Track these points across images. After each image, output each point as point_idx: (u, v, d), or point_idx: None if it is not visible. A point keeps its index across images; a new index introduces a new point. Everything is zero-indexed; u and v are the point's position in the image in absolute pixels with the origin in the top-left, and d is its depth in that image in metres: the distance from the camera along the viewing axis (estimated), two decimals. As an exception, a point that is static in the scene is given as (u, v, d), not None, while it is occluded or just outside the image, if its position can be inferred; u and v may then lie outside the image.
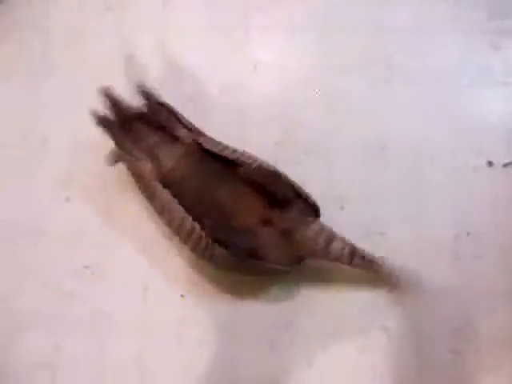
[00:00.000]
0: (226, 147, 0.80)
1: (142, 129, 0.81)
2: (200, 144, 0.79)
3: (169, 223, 0.80)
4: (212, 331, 0.87)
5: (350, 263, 0.79)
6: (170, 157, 0.79)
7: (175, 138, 0.80)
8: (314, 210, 0.79)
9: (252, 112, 0.92)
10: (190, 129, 0.81)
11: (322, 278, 0.86)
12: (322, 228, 0.78)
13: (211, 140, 0.81)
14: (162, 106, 0.82)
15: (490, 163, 0.89)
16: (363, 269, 0.81)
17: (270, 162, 0.87)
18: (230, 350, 0.86)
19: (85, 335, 0.88)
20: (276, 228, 0.77)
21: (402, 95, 0.92)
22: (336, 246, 0.78)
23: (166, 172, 0.78)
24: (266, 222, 0.77)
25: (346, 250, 0.78)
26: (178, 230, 0.78)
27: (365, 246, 0.85)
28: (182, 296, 0.87)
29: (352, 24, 0.95)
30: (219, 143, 0.81)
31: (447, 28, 0.95)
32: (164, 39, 0.96)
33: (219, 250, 0.76)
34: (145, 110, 0.82)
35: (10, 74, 0.97)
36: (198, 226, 0.76)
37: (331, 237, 0.78)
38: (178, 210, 0.77)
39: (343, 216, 0.86)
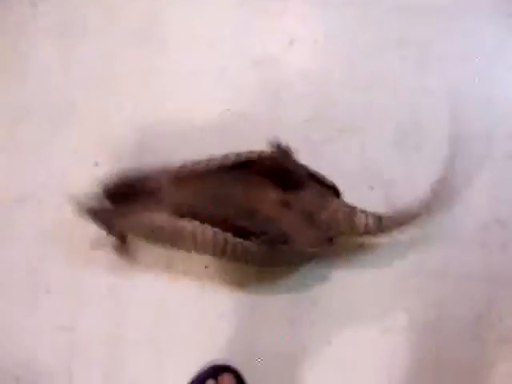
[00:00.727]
0: (211, 159, 0.79)
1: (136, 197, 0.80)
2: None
3: (203, 250, 0.78)
4: (233, 305, 0.87)
5: (380, 231, 0.79)
6: (171, 197, 0.78)
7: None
8: (335, 192, 0.79)
9: (285, 88, 0.91)
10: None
11: (345, 259, 0.86)
12: (343, 205, 0.78)
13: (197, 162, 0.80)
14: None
15: (525, 151, 0.88)
16: (396, 230, 0.81)
17: (301, 139, 0.87)
18: (250, 324, 0.87)
19: (106, 303, 0.88)
20: (296, 210, 0.78)
21: (438, 76, 0.90)
22: (359, 219, 0.78)
23: (180, 206, 0.78)
24: (285, 205, 0.77)
25: (371, 221, 0.78)
26: (213, 251, 0.78)
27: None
28: (205, 267, 0.88)
29: (390, 2, 0.93)
30: (206, 159, 0.80)
31: (487, 10, 0.93)
32: (195, 8, 0.95)
33: (252, 247, 0.76)
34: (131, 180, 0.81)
35: (42, 38, 0.96)
36: (229, 236, 0.76)
37: (353, 212, 0.78)
38: (209, 231, 0.76)
39: (372, 196, 0.86)
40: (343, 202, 0.79)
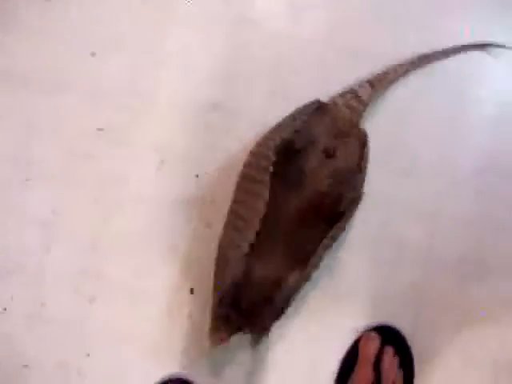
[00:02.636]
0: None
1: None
2: None
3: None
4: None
5: (377, 91, 0.84)
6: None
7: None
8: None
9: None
10: None
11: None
12: (339, 97, 0.82)
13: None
14: None
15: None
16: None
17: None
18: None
19: (89, 199, 0.84)
20: (332, 140, 0.77)
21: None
22: (363, 92, 0.83)
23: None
24: (328, 151, 0.76)
25: (368, 88, 0.83)
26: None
27: (390, 157, 0.86)
28: (196, 176, 0.85)
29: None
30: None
31: None
32: None
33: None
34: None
35: None
36: None
37: (353, 92, 0.82)
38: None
39: (372, 126, 0.85)
40: (336, 97, 0.83)
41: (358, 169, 0.76)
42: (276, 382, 0.83)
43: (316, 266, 0.75)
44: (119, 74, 0.85)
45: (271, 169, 0.71)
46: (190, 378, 0.83)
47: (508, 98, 0.89)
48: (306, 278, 0.75)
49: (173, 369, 0.83)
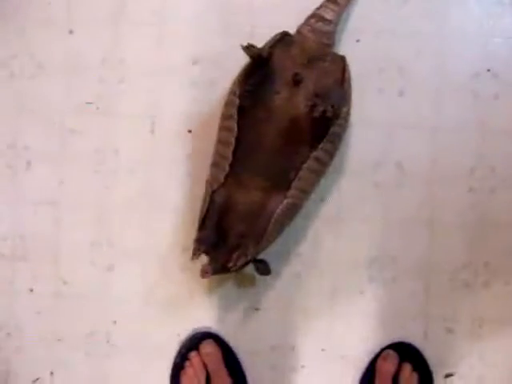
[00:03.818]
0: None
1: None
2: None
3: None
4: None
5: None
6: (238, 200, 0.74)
7: None
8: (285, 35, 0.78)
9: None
10: None
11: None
12: (304, 25, 0.80)
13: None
14: None
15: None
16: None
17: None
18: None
19: (89, 172, 0.86)
20: (304, 67, 0.76)
21: None
22: (325, 12, 0.81)
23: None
24: (296, 82, 0.75)
25: (330, 6, 0.81)
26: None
27: (382, 79, 0.84)
28: (189, 131, 0.86)
29: None
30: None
31: None
32: None
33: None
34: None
35: None
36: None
37: (316, 15, 0.80)
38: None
39: (359, 49, 0.83)
40: (300, 26, 0.81)
41: (340, 89, 0.74)
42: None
43: (305, 192, 0.74)
44: (98, 47, 0.86)
45: (237, 101, 0.72)
46: (216, 331, 0.85)
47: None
48: (294, 204, 0.74)
49: (197, 324, 0.85)
